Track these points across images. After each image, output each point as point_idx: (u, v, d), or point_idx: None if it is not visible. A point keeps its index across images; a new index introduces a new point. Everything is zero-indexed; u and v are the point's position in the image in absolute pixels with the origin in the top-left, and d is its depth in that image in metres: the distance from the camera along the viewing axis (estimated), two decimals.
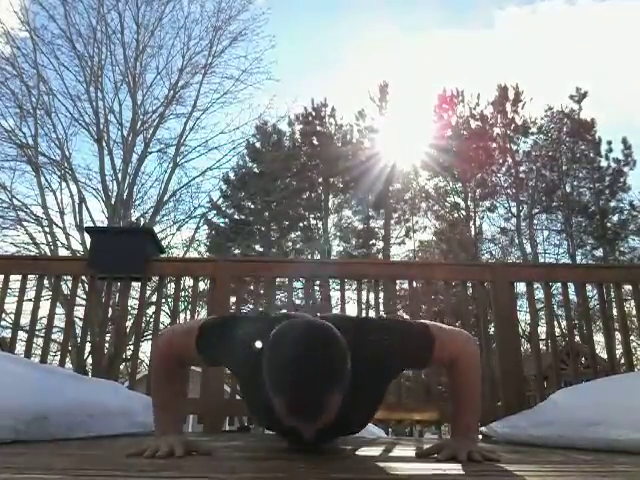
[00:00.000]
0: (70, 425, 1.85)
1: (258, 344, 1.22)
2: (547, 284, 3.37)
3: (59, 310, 7.04)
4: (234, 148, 15.68)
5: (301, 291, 12.45)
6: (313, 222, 23.00)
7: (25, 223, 13.43)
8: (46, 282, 3.52)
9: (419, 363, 1.48)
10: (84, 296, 8.69)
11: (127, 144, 14.48)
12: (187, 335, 1.42)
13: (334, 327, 1.16)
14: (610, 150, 21.82)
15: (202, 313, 9.47)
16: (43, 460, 1.24)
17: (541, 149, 22.30)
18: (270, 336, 1.15)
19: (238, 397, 3.31)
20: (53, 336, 6.85)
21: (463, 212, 22.75)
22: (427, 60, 30.74)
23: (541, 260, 20.74)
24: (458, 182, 22.55)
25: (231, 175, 20.58)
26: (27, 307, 3.39)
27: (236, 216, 21.48)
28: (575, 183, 22.36)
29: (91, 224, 13.16)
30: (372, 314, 9.61)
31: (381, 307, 6.77)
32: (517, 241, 21.74)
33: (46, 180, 13.91)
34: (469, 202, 22.66)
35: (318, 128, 23.13)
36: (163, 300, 7.46)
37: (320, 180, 22.62)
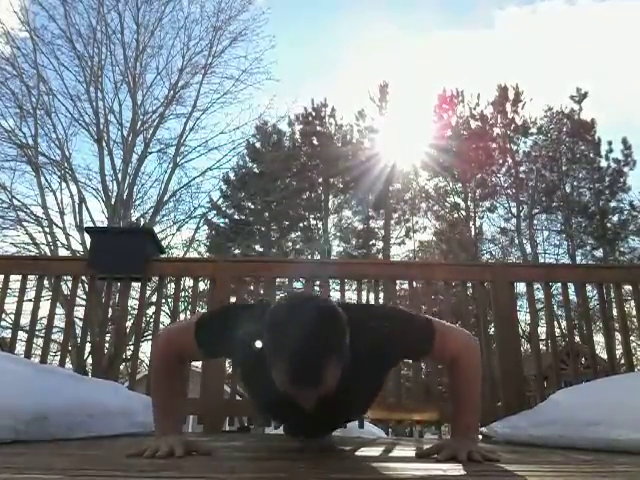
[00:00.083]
0: (70, 425, 1.85)
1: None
2: (547, 284, 3.37)
3: (59, 310, 7.06)
4: (234, 148, 15.71)
5: None
6: (313, 222, 23.01)
7: (25, 223, 13.45)
8: (46, 282, 3.52)
9: (418, 354, 1.48)
10: (84, 296, 8.70)
11: (127, 144, 14.48)
12: (186, 331, 1.44)
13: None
14: (610, 150, 21.83)
15: None
16: (43, 460, 1.24)
17: (541, 149, 22.30)
18: (271, 308, 1.19)
19: (238, 397, 3.32)
20: (53, 336, 6.86)
21: (463, 212, 22.76)
22: (427, 60, 30.75)
23: (541, 260, 20.74)
24: (458, 182, 22.56)
25: (231, 175, 20.60)
26: (27, 307, 3.39)
27: (236, 216, 21.48)
28: (575, 183, 22.37)
29: (91, 224, 13.16)
30: None
31: None
32: (517, 241, 21.74)
33: (46, 180, 13.94)
34: (469, 202, 22.67)
35: (318, 128, 23.13)
36: (163, 300, 7.46)
37: (320, 180, 22.62)
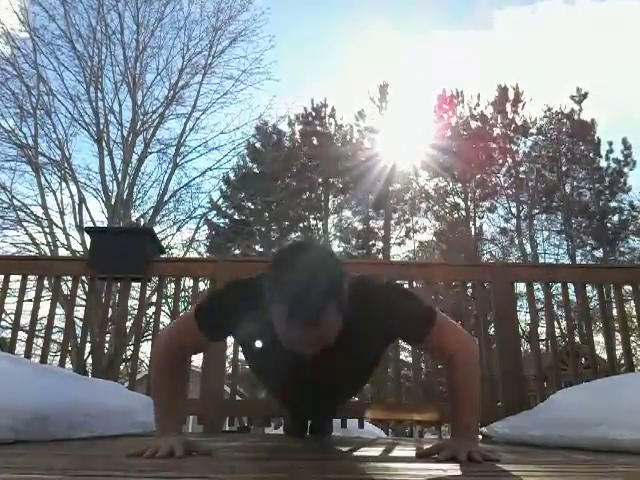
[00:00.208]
0: (70, 425, 1.85)
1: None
2: (547, 284, 3.37)
3: (59, 310, 7.05)
4: (234, 148, 15.72)
5: None
6: (313, 222, 23.02)
7: (25, 223, 13.47)
8: (46, 282, 3.52)
9: (413, 337, 1.48)
10: (84, 296, 8.70)
11: (127, 144, 14.49)
12: (186, 320, 1.48)
13: None
14: (610, 151, 21.86)
15: None
16: (43, 460, 1.24)
17: (541, 149, 22.31)
18: (275, 252, 1.27)
19: (238, 397, 3.32)
20: (53, 336, 6.86)
21: (463, 212, 22.76)
22: (427, 60, 30.79)
23: (541, 260, 20.74)
24: (458, 182, 22.56)
25: (231, 175, 20.59)
26: (27, 307, 3.39)
27: (236, 216, 21.48)
28: (575, 184, 22.38)
29: (91, 224, 13.18)
30: None
31: None
32: (517, 241, 21.75)
33: (46, 180, 13.95)
34: (469, 202, 22.67)
35: (318, 128, 23.15)
36: (163, 300, 7.46)
37: (320, 180, 22.63)
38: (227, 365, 3.61)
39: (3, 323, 7.06)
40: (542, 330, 14.85)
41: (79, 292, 7.58)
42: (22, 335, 4.99)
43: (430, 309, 1.43)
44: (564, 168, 22.15)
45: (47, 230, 13.44)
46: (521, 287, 4.34)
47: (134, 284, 3.39)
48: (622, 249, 21.38)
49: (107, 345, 8.36)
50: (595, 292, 4.22)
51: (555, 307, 13.93)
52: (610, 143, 21.85)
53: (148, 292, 8.28)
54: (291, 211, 22.20)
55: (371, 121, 22.96)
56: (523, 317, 14.97)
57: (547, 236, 22.10)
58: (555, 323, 14.97)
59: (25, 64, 14.12)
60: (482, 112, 22.68)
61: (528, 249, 21.32)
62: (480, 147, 21.58)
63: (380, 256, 21.48)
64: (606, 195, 21.73)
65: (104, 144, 14.19)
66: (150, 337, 8.58)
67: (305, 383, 1.40)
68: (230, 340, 3.24)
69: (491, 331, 3.57)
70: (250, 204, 21.76)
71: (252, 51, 16.17)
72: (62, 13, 14.37)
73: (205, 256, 16.80)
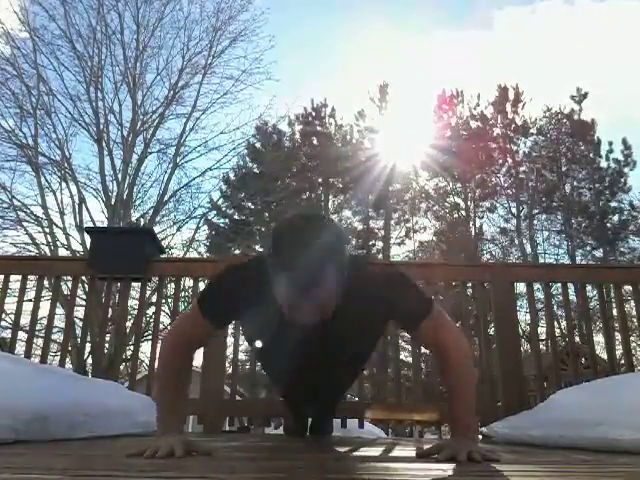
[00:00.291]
0: (70, 425, 1.85)
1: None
2: (547, 284, 3.37)
3: (59, 310, 7.06)
4: (234, 148, 15.69)
5: None
6: None
7: (25, 223, 13.45)
8: (46, 282, 3.52)
9: (411, 319, 1.47)
10: (84, 296, 8.70)
11: (127, 144, 14.48)
12: (189, 313, 1.51)
13: None
14: (610, 151, 21.85)
15: None
16: (43, 460, 1.24)
17: (541, 149, 22.30)
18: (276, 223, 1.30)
19: (238, 397, 3.32)
20: (53, 336, 6.86)
21: (463, 212, 22.76)
22: (427, 60, 30.80)
23: (541, 260, 20.74)
24: (458, 182, 22.56)
25: (231, 175, 20.58)
26: (27, 307, 3.39)
27: (236, 216, 21.47)
28: (575, 184, 22.38)
29: (91, 224, 13.16)
30: None
31: None
32: (517, 241, 21.75)
33: (46, 180, 13.93)
34: (469, 202, 22.68)
35: (318, 128, 23.14)
36: (163, 300, 7.46)
37: (320, 180, 22.63)
38: (227, 365, 3.62)
39: (3, 323, 7.06)
40: (542, 330, 14.86)
41: (79, 292, 7.58)
42: (22, 335, 4.99)
43: (427, 301, 1.45)
44: (564, 168, 22.15)
45: (47, 230, 13.44)
46: (521, 287, 4.35)
47: (134, 284, 3.39)
48: (622, 249, 21.40)
49: (107, 345, 8.35)
50: (595, 292, 4.22)
51: (555, 307, 13.93)
52: (610, 143, 21.88)
53: (148, 292, 8.28)
54: (291, 211, 22.19)
55: (371, 121, 22.99)
56: (523, 317, 15.00)
57: (547, 236, 22.13)
58: (555, 323, 14.98)
59: (25, 64, 14.12)
60: (482, 112, 22.70)
61: (528, 249, 21.33)
62: (480, 147, 21.58)
63: (380, 256, 21.45)
64: (606, 195, 21.73)
65: (104, 144, 14.18)
66: (150, 337, 8.58)
67: (307, 363, 1.44)
68: (230, 340, 3.25)
69: (491, 331, 3.57)
70: (250, 204, 21.75)
71: (252, 51, 16.14)
72: (62, 13, 14.38)
73: (205, 256, 16.80)
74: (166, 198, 14.73)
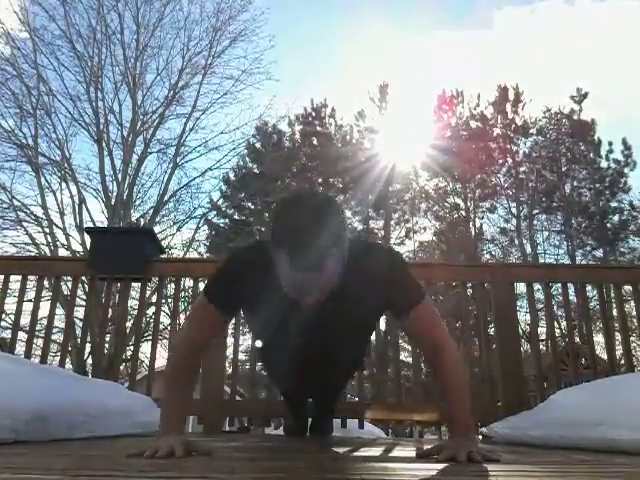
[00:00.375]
0: (70, 425, 1.85)
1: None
2: (547, 285, 3.37)
3: (59, 311, 7.05)
4: (234, 148, 15.70)
5: None
6: None
7: (25, 224, 13.46)
8: (46, 283, 3.52)
9: (404, 305, 1.47)
10: (84, 296, 8.71)
11: (127, 144, 14.48)
12: (197, 306, 1.53)
13: None
14: (610, 151, 21.84)
15: None
16: (43, 460, 1.24)
17: (541, 150, 22.30)
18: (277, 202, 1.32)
19: (238, 397, 3.32)
20: (53, 337, 6.86)
21: (463, 213, 22.76)
22: (427, 60, 30.80)
23: (541, 261, 20.74)
24: (458, 183, 22.56)
25: (231, 175, 20.58)
26: (27, 307, 3.40)
27: (236, 216, 21.47)
28: (575, 184, 22.38)
29: (91, 225, 13.17)
30: None
31: None
32: (517, 242, 21.75)
33: (46, 180, 13.94)
34: (469, 203, 22.67)
35: (318, 129, 23.13)
36: (163, 301, 7.46)
37: (320, 181, 22.61)
38: (227, 365, 3.62)
39: (3, 323, 7.05)
40: (542, 330, 14.86)
41: (79, 292, 7.58)
42: (22, 335, 4.99)
43: (420, 291, 1.48)
44: (564, 168, 22.15)
45: (47, 230, 13.44)
46: (521, 287, 4.35)
47: (134, 284, 3.39)
48: (622, 249, 21.39)
49: (107, 345, 8.36)
50: (595, 292, 4.21)
51: (555, 307, 13.91)
52: (610, 143, 21.86)
53: (148, 292, 8.29)
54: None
55: (371, 121, 22.97)
56: (523, 317, 14.98)
57: (547, 236, 22.12)
58: (555, 323, 14.96)
59: (25, 64, 14.13)
60: (482, 112, 22.69)
61: (528, 249, 21.33)
62: (480, 147, 21.57)
63: None
64: (606, 195, 21.72)
65: (104, 144, 14.18)
66: (150, 337, 8.59)
67: (308, 349, 1.47)
68: (230, 340, 3.25)
69: (491, 331, 3.57)
70: (250, 204, 21.74)
71: (252, 51, 16.10)
72: (62, 13, 14.39)
73: (205, 256, 16.80)
74: (166, 198, 14.75)
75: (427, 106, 23.57)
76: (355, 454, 1.65)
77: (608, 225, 21.36)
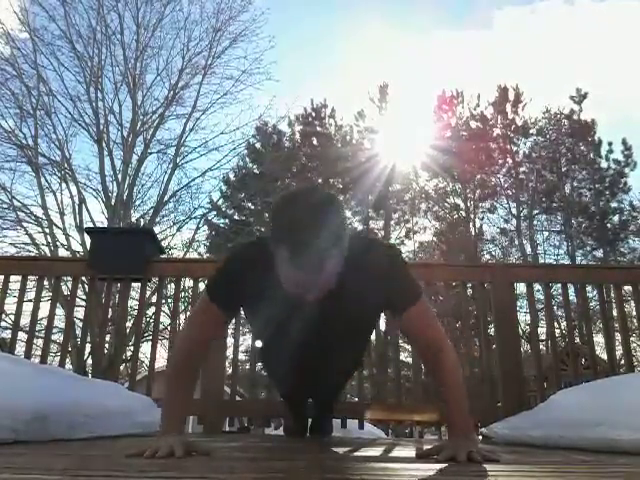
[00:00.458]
0: (70, 425, 1.85)
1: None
2: (547, 285, 3.37)
3: (59, 311, 7.04)
4: (234, 149, 15.70)
5: None
6: None
7: (25, 224, 13.45)
8: (46, 283, 3.52)
9: (401, 302, 1.47)
10: (84, 297, 8.70)
11: (127, 145, 14.48)
12: (199, 305, 1.52)
13: None
14: (610, 151, 21.83)
15: None
16: (43, 460, 1.24)
17: (541, 150, 22.30)
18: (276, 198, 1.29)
19: (238, 398, 3.32)
20: (53, 337, 6.85)
21: (463, 213, 22.76)
22: (427, 60, 30.80)
23: (541, 261, 20.73)
24: (458, 183, 22.55)
25: (231, 176, 20.58)
26: (27, 308, 3.39)
27: (236, 217, 21.46)
28: (575, 184, 22.38)
29: (91, 225, 13.16)
30: None
31: None
32: (517, 242, 21.75)
33: (46, 181, 13.93)
34: (469, 203, 22.67)
35: (318, 129, 23.13)
36: (163, 301, 7.46)
37: (320, 181, 22.59)
38: (227, 365, 3.62)
39: (3, 323, 7.06)
40: (542, 330, 14.86)
41: (79, 292, 7.58)
42: (22, 335, 4.98)
43: (418, 290, 1.48)
44: (564, 168, 22.15)
45: (47, 230, 13.44)
46: (521, 287, 4.33)
47: (134, 284, 3.39)
48: (622, 249, 21.39)
49: (107, 345, 8.35)
50: (595, 292, 4.21)
51: (555, 307, 13.91)
52: (610, 144, 21.85)
53: (148, 292, 8.27)
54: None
55: (371, 121, 22.97)
56: (523, 317, 15.02)
57: (547, 236, 22.12)
58: (555, 323, 14.96)
59: (25, 64, 14.13)
60: (482, 112, 22.69)
61: (528, 249, 21.33)
62: (480, 147, 21.57)
63: None
64: (606, 195, 21.72)
65: (104, 144, 14.18)
66: (150, 337, 8.58)
67: (308, 346, 1.47)
68: (230, 341, 3.25)
69: (491, 331, 3.57)
70: (250, 204, 21.74)
71: (252, 51, 16.08)
72: (62, 13, 14.39)
73: (205, 256, 16.80)
74: (166, 198, 14.75)
75: (427, 106, 23.61)
76: (355, 454, 1.65)
77: (608, 225, 21.37)
